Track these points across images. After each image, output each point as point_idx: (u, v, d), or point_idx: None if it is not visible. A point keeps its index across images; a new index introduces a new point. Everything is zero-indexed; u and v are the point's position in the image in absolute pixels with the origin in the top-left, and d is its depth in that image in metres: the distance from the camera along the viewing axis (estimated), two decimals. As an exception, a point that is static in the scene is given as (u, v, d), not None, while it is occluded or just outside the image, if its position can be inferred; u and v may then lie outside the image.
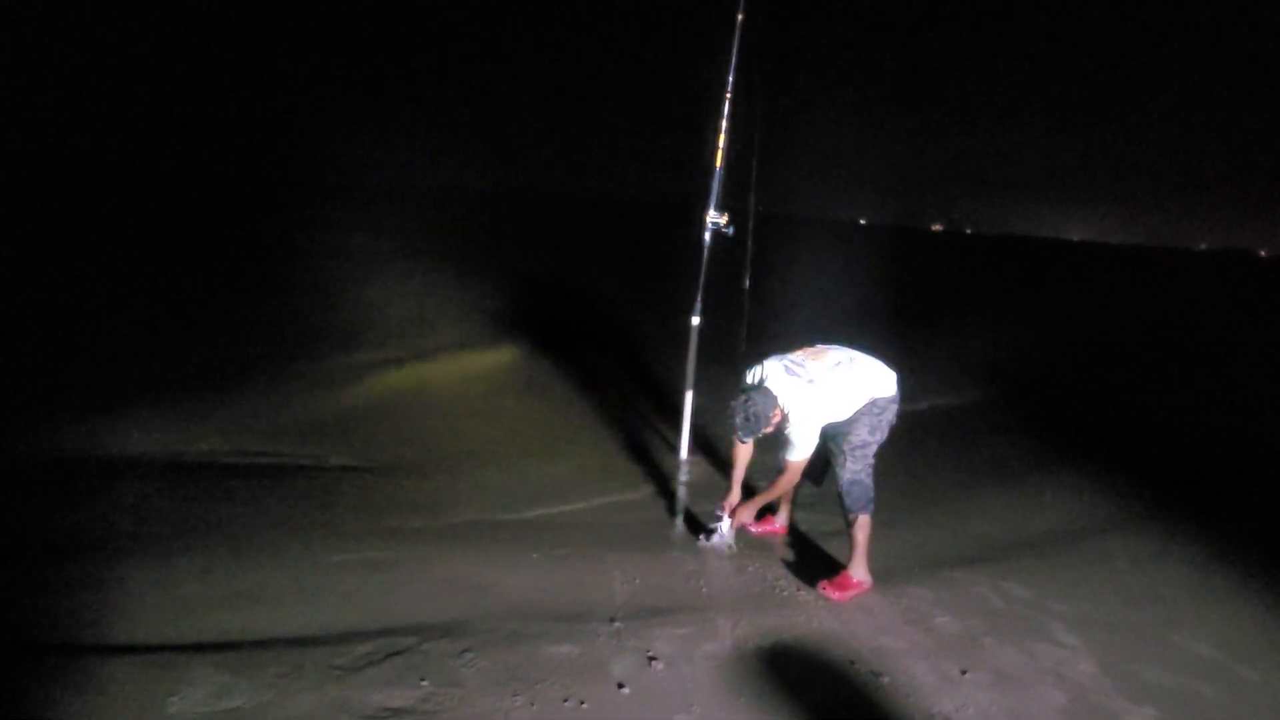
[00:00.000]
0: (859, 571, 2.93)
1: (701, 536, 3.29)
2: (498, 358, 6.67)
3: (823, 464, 3.14)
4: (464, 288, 9.46)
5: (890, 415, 2.95)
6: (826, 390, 2.84)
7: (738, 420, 2.84)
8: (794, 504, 3.55)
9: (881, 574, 3.01)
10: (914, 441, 5.11)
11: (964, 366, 7.94)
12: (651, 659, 2.31)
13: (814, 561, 3.22)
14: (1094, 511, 4.00)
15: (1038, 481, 4.45)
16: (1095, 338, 11.04)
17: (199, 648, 2.17)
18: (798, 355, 2.97)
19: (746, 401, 2.82)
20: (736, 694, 2.19)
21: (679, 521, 3.47)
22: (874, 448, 2.92)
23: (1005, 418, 6.08)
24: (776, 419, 2.86)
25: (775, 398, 2.83)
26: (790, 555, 3.31)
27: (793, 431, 2.85)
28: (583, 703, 2.07)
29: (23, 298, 6.89)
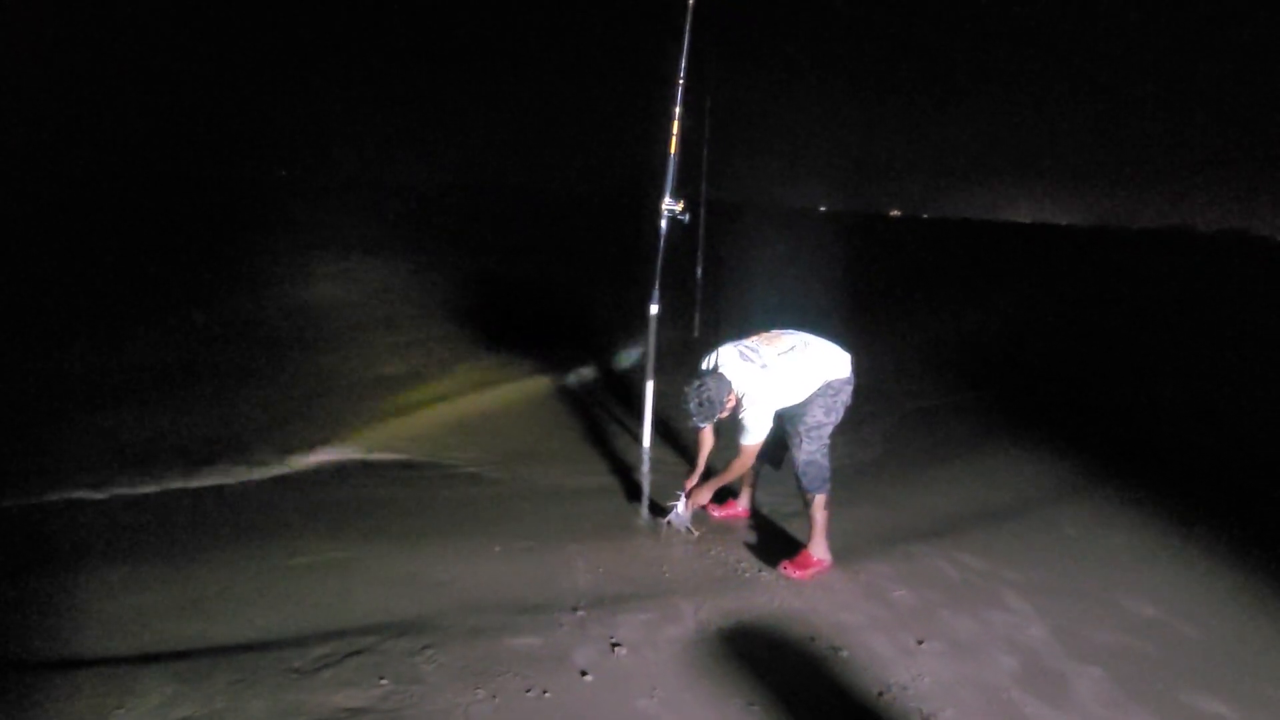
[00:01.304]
0: (819, 550, 2.98)
1: (659, 517, 3.33)
2: (453, 351, 6.58)
3: (781, 446, 3.17)
4: (416, 281, 9.34)
5: (845, 396, 2.99)
6: (780, 375, 2.86)
7: (691, 406, 2.86)
8: (755, 487, 3.58)
9: (841, 552, 3.06)
10: (870, 422, 5.21)
11: (917, 348, 8.11)
12: (615, 645, 2.32)
13: (776, 542, 3.26)
14: (1044, 483, 4.12)
15: (992, 457, 4.57)
16: (1043, 316, 11.38)
17: (148, 658, 2.11)
18: (752, 340, 2.99)
19: (700, 387, 2.83)
20: (699, 676, 2.21)
21: (643, 509, 3.49)
22: (829, 428, 2.95)
23: (959, 398, 6.23)
24: (731, 404, 2.88)
25: (729, 383, 2.85)
26: (752, 537, 3.34)
27: (746, 416, 2.88)
28: (545, 692, 2.07)
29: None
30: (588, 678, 2.15)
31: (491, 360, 6.25)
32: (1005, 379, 7.07)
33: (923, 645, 2.44)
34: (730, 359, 2.92)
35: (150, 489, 3.52)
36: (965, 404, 6.01)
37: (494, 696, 2.03)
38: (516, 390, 5.57)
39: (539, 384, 5.74)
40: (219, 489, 3.61)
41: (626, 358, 6.63)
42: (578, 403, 5.42)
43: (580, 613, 2.52)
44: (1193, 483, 4.10)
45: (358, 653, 2.18)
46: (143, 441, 4.09)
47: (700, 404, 2.83)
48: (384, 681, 2.05)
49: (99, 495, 3.38)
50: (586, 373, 6.11)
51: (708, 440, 3.29)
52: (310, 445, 4.22)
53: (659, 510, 3.39)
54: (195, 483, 3.63)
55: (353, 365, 5.90)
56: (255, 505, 3.46)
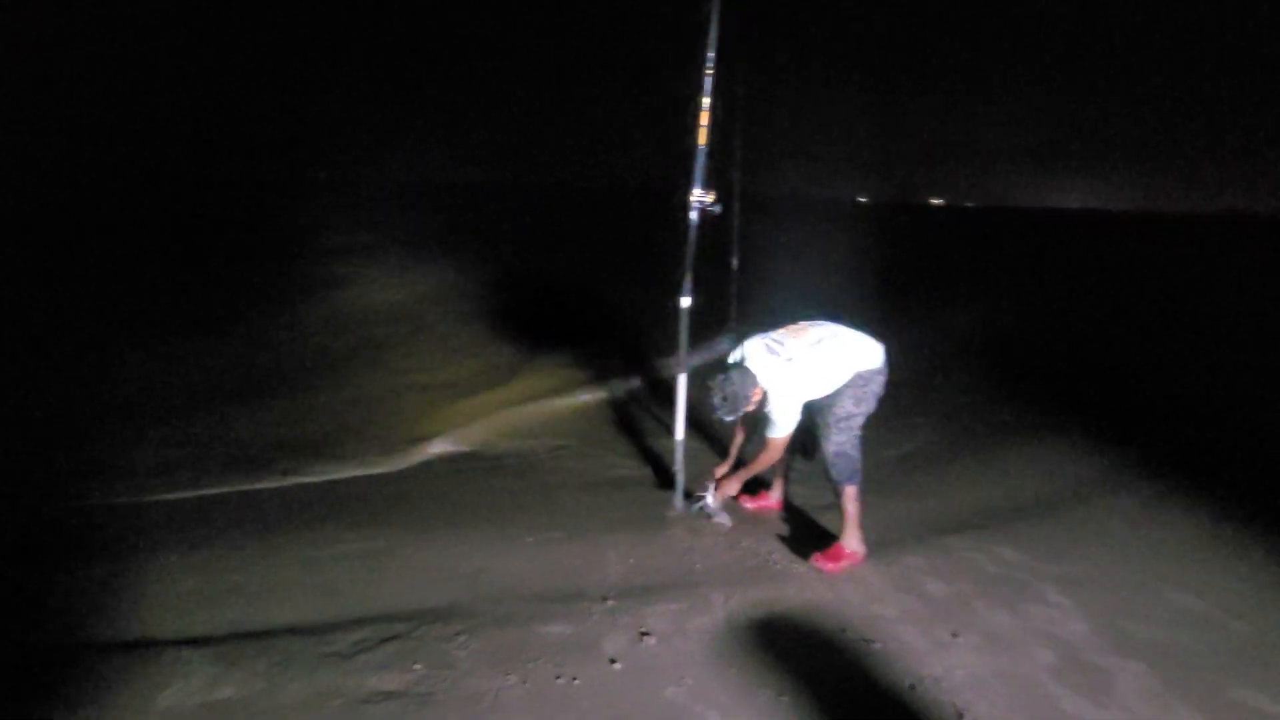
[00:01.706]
0: (851, 542, 2.94)
1: (687, 505, 3.35)
2: (491, 348, 6.66)
3: (813, 438, 3.15)
4: (454, 279, 9.45)
5: (876, 386, 2.94)
6: (806, 368, 2.84)
7: (716, 400, 2.86)
8: (788, 479, 3.56)
9: (875, 544, 3.02)
10: (906, 413, 5.12)
11: (954, 339, 7.94)
12: (644, 635, 2.33)
13: (808, 535, 3.23)
14: (1086, 476, 3.99)
15: (1031, 450, 4.44)
16: (1089, 305, 11.03)
17: (193, 641, 2.19)
18: (779, 333, 2.97)
19: (725, 380, 2.83)
20: (728, 665, 2.21)
21: (675, 500, 3.49)
22: (860, 419, 2.91)
23: (997, 389, 6.08)
24: (756, 397, 2.87)
25: (754, 376, 2.84)
26: (784, 529, 3.32)
27: (773, 409, 2.86)
28: (575, 679, 2.09)
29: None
30: (617, 666, 2.17)
31: (542, 364, 6.21)
32: (1046, 369, 6.87)
33: (957, 638, 2.40)
34: (757, 352, 2.91)
35: (209, 490, 3.64)
36: (1004, 396, 5.85)
37: (524, 682, 2.06)
38: (567, 400, 5.54)
39: (589, 391, 5.72)
40: (270, 491, 3.73)
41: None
42: (620, 399, 5.47)
43: (610, 602, 2.54)
44: (1243, 476, 3.94)
45: (392, 638, 2.23)
46: (204, 445, 4.23)
47: (725, 398, 2.83)
48: (417, 666, 2.10)
49: (157, 497, 3.51)
50: (634, 381, 6.09)
51: (740, 432, 3.29)
52: (361, 450, 4.27)
53: (690, 499, 3.40)
54: (248, 485, 3.71)
55: (407, 376, 5.93)
56: (299, 502, 3.54)
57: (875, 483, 3.75)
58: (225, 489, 3.60)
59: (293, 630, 2.26)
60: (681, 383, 4.22)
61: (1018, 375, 6.54)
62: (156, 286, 8.58)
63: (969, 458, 4.40)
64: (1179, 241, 27.64)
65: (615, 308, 8.79)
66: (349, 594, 2.54)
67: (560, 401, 5.33)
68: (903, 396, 5.47)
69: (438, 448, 4.34)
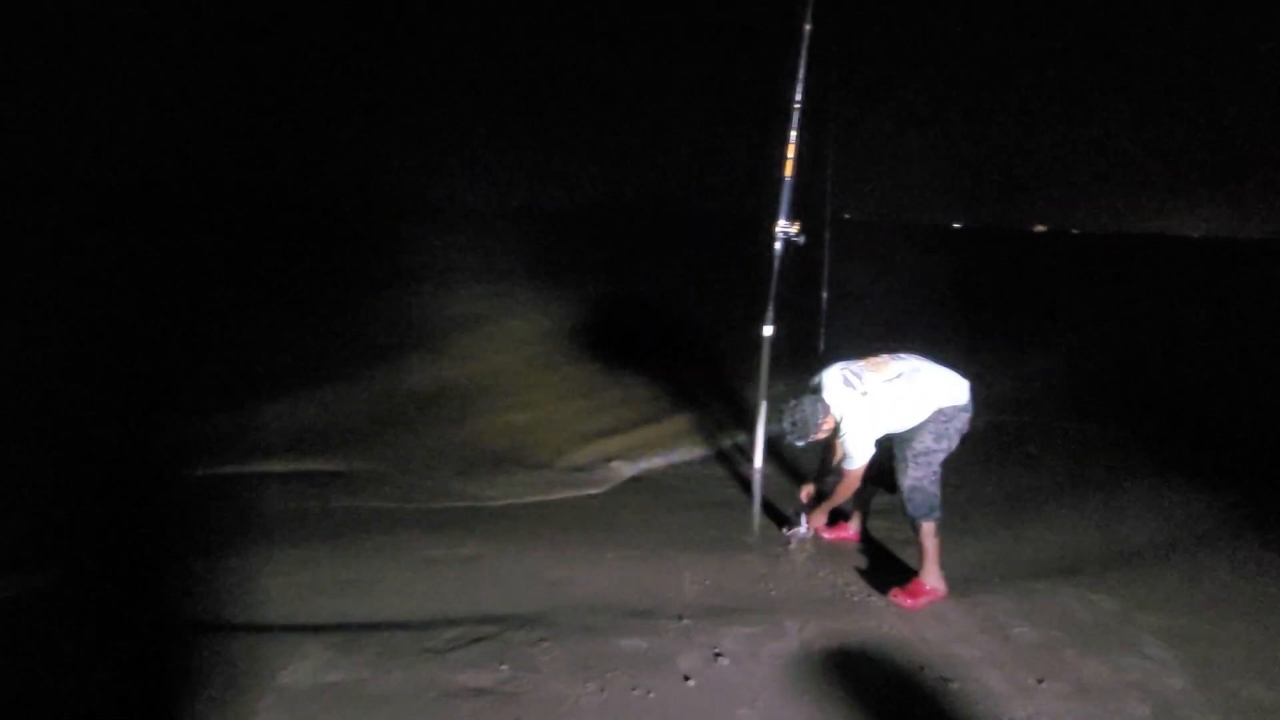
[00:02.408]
0: (931, 578, 2.90)
1: (786, 530, 3.45)
2: (581, 369, 6.88)
3: (893, 471, 3.13)
4: (545, 298, 9.78)
5: (960, 424, 2.90)
6: (879, 403, 2.84)
7: (785, 424, 2.92)
8: (868, 511, 3.54)
9: (959, 583, 2.96)
10: (998, 450, 4.94)
11: (1051, 373, 7.56)
12: (718, 655, 2.39)
13: (887, 568, 3.20)
14: (1201, 524, 3.75)
15: (1134, 492, 4.19)
16: (1212, 341, 10.23)
17: (309, 628, 2.43)
18: (859, 365, 2.99)
19: (796, 407, 2.89)
20: (801, 692, 2.24)
21: (754, 527, 3.51)
22: (940, 456, 2.88)
23: (1098, 426, 5.76)
24: (828, 426, 2.91)
25: (827, 406, 2.88)
26: (863, 562, 3.30)
27: (845, 440, 2.89)
28: (650, 693, 2.18)
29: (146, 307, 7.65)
30: (690, 683, 2.24)
31: (641, 393, 6.20)
32: (1161, 408, 6.44)
33: (1043, 685, 2.33)
34: (833, 382, 2.94)
35: (303, 488, 3.99)
36: (1105, 433, 5.54)
37: (602, 690, 2.17)
38: (656, 428, 5.57)
39: (677, 418, 5.76)
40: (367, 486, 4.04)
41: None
42: (691, 419, 5.55)
43: (686, 621, 2.62)
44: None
45: (482, 639, 2.39)
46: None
47: (794, 423, 2.89)
48: (504, 667, 2.24)
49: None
50: (702, 393, 6.17)
51: (827, 462, 3.36)
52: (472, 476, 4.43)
53: (782, 524, 3.50)
54: (378, 503, 3.89)
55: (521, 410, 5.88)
56: (410, 513, 3.79)
57: (964, 519, 3.69)
58: (354, 502, 3.88)
59: (396, 625, 2.46)
60: (762, 412, 4.27)
61: (1130, 413, 6.17)
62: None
63: (1069, 498, 4.20)
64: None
65: (713, 332, 8.84)
66: (446, 595, 2.74)
67: (650, 430, 5.46)
68: (992, 432, 5.30)
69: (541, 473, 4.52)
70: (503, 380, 6.27)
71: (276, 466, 4.18)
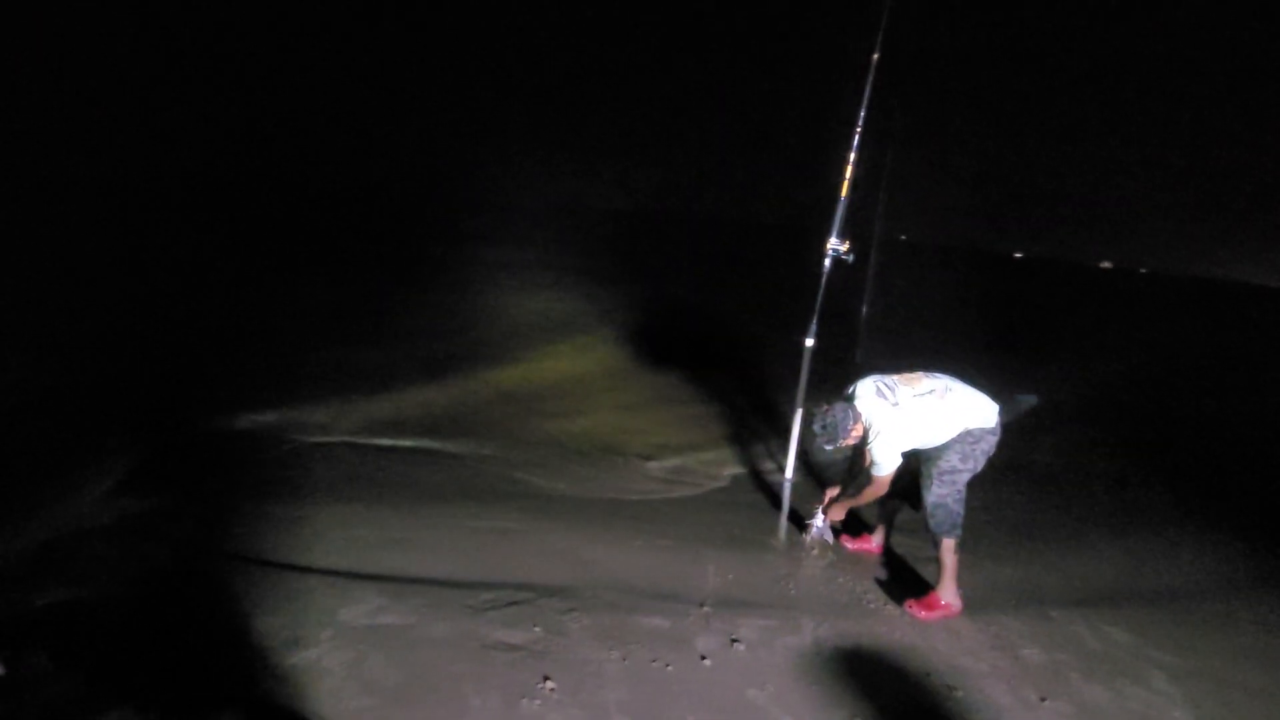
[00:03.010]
0: (948, 594, 3.00)
1: (806, 523, 3.58)
2: (624, 368, 7.10)
3: (918, 487, 3.24)
4: (596, 301, 10.04)
5: (986, 445, 2.99)
6: (909, 416, 2.95)
7: (816, 428, 3.06)
8: (891, 526, 3.64)
9: (975, 602, 3.05)
10: (1034, 481, 4.95)
11: (1093, 409, 7.45)
12: (734, 640, 2.55)
13: (905, 581, 3.30)
14: (1224, 567, 3.74)
15: (1164, 530, 4.18)
16: (1249, 388, 9.90)
17: (364, 576, 2.69)
18: (892, 378, 3.10)
19: (827, 412, 3.03)
20: (810, 683, 2.38)
21: (780, 532, 3.63)
22: (964, 475, 2.97)
23: (1135, 462, 5.69)
24: (856, 433, 3.04)
25: (858, 413, 3.01)
26: (883, 573, 3.40)
27: (873, 448, 3.01)
28: (668, 666, 2.35)
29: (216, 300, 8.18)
30: (707, 662, 2.41)
31: (701, 417, 6.36)
32: (1201, 453, 6.31)
33: (1045, 703, 2.42)
34: (866, 391, 3.07)
35: (372, 456, 4.28)
36: (1139, 469, 5.48)
37: (624, 659, 2.35)
38: (670, 406, 5.90)
39: (690, 404, 6.04)
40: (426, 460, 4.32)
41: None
42: (729, 424, 5.70)
43: (706, 608, 2.78)
44: None
45: (517, 603, 2.60)
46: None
47: (824, 427, 3.03)
48: (536, 629, 2.45)
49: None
50: (741, 400, 6.32)
51: (856, 467, 3.50)
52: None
53: (801, 522, 3.63)
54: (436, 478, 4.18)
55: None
56: (465, 489, 4.05)
57: (983, 542, 3.76)
58: (419, 474, 4.19)
59: (442, 582, 2.70)
60: (797, 421, 4.40)
61: (1168, 454, 6.07)
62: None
63: (1092, 530, 4.21)
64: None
65: (760, 339, 8.96)
66: (488, 561, 2.96)
67: (693, 433, 5.64)
68: (1025, 457, 5.31)
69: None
70: (564, 384, 6.52)
71: (360, 439, 4.53)
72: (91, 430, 4.03)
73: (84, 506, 2.14)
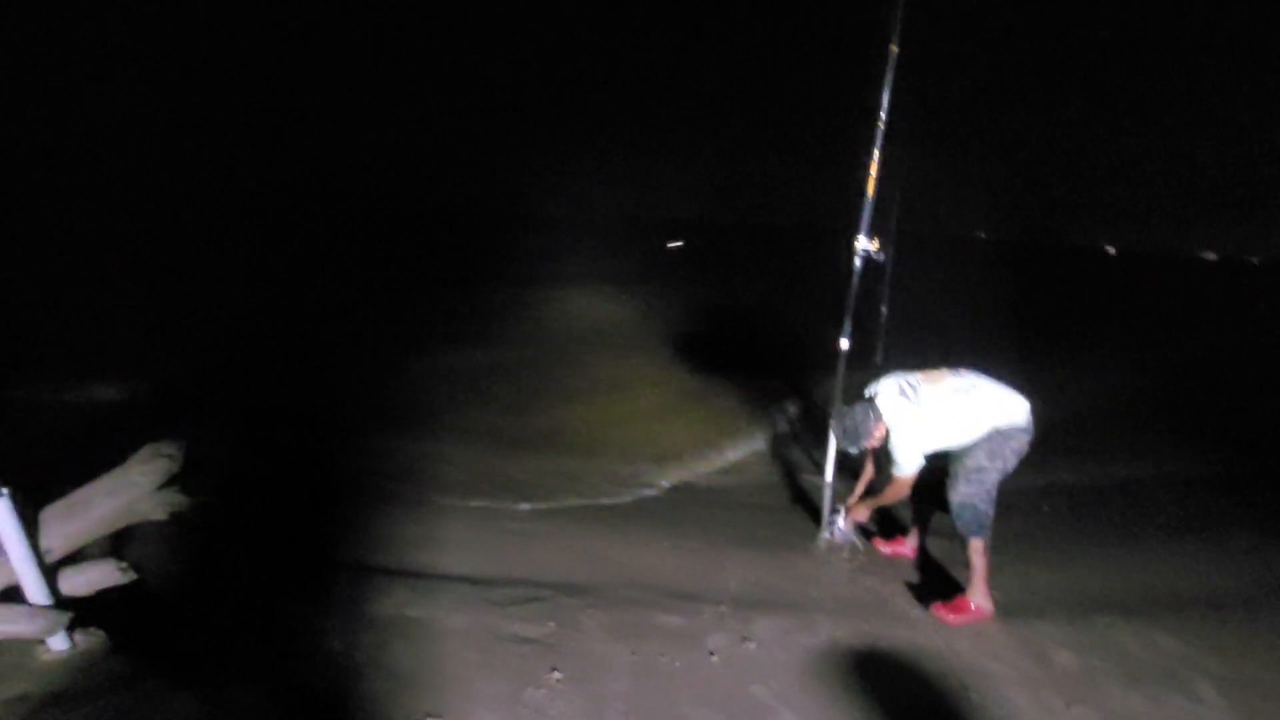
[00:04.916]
0: (978, 597, 2.92)
1: (825, 532, 3.54)
2: (661, 374, 7.18)
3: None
4: (650, 307, 10.17)
5: (1017, 444, 2.90)
6: (932, 416, 2.90)
7: (837, 430, 3.03)
8: (925, 529, 3.57)
9: (1010, 606, 2.97)
10: (1075, 484, 4.71)
11: (1134, 404, 6.99)
12: (745, 639, 2.58)
13: (936, 584, 3.23)
14: (1273, 574, 3.48)
15: (1219, 536, 3.92)
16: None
17: (394, 571, 2.85)
18: (915, 377, 3.05)
19: (849, 413, 3.00)
20: (819, 683, 2.38)
21: (820, 539, 3.58)
22: (993, 475, 2.89)
23: (1185, 464, 5.31)
24: (879, 434, 3.00)
25: (880, 414, 2.97)
26: (913, 577, 3.34)
27: (895, 448, 2.96)
28: (675, 661, 2.40)
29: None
30: (714, 659, 2.45)
31: (692, 385, 6.62)
32: (1255, 449, 5.81)
33: (1071, 709, 2.34)
34: (888, 391, 3.03)
35: (406, 461, 4.52)
36: (1190, 472, 5.11)
37: (633, 654, 2.42)
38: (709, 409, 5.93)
39: (729, 407, 6.05)
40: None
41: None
42: (766, 425, 5.69)
43: (723, 608, 2.81)
44: None
45: (536, 599, 2.71)
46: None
47: (846, 429, 3.01)
48: (551, 624, 2.55)
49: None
50: (783, 400, 6.29)
51: (870, 464, 3.44)
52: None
53: (823, 525, 3.59)
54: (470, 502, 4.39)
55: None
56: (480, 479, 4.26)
57: (1022, 544, 3.63)
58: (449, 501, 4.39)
59: (465, 579, 2.84)
60: (832, 424, 4.35)
61: (1246, 457, 5.63)
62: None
63: (1141, 535, 4.00)
64: None
65: (791, 341, 8.89)
66: (510, 560, 3.10)
67: (724, 436, 5.66)
68: (1070, 458, 5.05)
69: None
70: (610, 387, 6.69)
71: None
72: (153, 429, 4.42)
73: (138, 502, 2.38)
